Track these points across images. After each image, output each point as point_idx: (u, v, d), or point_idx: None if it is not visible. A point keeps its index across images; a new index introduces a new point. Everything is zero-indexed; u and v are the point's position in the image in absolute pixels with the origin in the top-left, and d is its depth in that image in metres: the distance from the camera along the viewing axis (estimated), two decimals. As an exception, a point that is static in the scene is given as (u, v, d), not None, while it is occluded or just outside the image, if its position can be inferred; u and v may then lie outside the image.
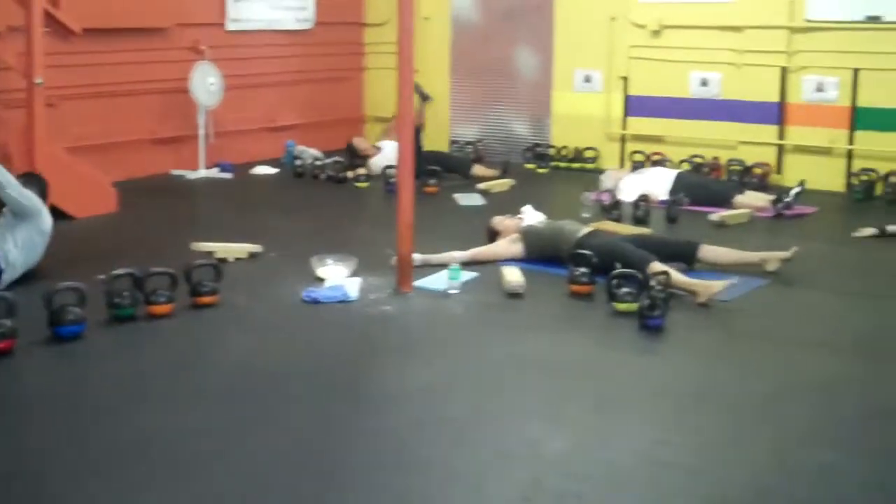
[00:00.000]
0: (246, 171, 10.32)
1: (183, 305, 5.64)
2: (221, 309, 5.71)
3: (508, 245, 6.76)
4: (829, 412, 4.35)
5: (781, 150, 9.73)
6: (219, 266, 5.93)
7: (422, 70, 11.40)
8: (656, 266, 6.04)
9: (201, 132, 10.05)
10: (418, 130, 9.21)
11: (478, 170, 10.01)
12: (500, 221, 7.04)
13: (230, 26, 10.73)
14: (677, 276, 5.93)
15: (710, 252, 6.49)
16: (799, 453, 3.96)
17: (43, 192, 6.61)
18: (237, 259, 6.72)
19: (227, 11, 10.69)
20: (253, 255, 6.83)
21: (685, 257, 6.45)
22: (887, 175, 8.99)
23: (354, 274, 6.23)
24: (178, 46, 10.07)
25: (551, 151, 10.70)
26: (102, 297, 5.42)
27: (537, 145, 10.86)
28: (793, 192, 8.35)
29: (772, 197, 8.42)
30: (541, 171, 10.47)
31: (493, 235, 6.98)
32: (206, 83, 9.94)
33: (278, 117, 11.27)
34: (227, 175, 10.12)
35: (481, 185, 9.36)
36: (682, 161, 9.86)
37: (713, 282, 5.87)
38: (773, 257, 6.46)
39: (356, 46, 12.20)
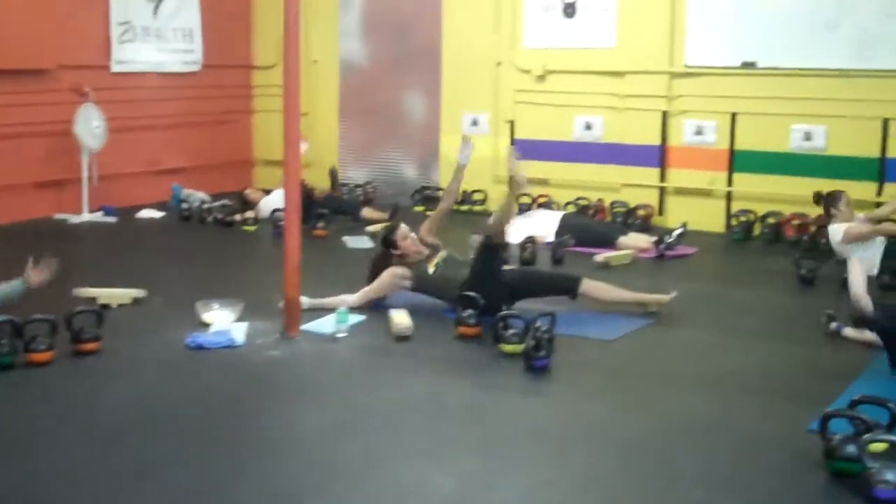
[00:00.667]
0: (131, 214, 10.18)
1: (64, 353, 5.52)
2: (104, 356, 5.60)
3: (396, 281, 6.72)
4: (705, 449, 4.45)
5: (663, 191, 9.98)
6: (101, 312, 5.82)
7: (311, 113, 11.45)
8: (589, 283, 6.52)
9: (85, 175, 9.89)
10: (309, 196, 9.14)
11: (367, 212, 10.04)
12: (403, 236, 6.82)
13: (115, 68, 10.61)
14: (619, 292, 6.62)
15: (592, 287, 6.60)
16: (676, 491, 4.04)
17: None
18: (120, 305, 6.61)
19: (113, 53, 10.57)
20: (137, 301, 6.72)
21: (568, 290, 6.56)
22: (765, 216, 9.28)
23: (241, 318, 6.18)
24: (62, 88, 9.91)
25: (440, 194, 10.78)
26: (-21, 345, 5.28)
27: (426, 188, 10.95)
28: (675, 233, 8.57)
29: (654, 238, 8.62)
30: (430, 213, 10.49)
31: (390, 245, 6.83)
32: (90, 126, 9.79)
33: (165, 160, 11.15)
34: (112, 219, 9.96)
35: (370, 228, 9.39)
36: (568, 203, 10.03)
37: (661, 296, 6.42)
38: (653, 301, 6.62)
39: (244, 89, 12.17)
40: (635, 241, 8.69)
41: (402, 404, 4.99)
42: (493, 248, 6.40)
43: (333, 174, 10.49)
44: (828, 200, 8.14)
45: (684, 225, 8.79)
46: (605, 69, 10.07)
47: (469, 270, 6.49)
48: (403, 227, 6.91)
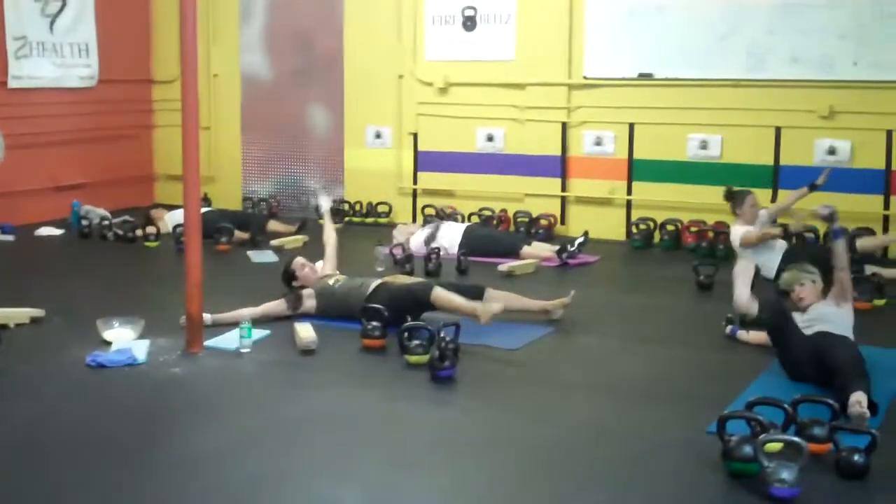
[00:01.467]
0: (29, 232, 9.99)
1: (-41, 375, 5.41)
2: (2, 377, 5.48)
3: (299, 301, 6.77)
4: (609, 454, 4.52)
5: (565, 201, 10.12)
6: (-2, 332, 5.72)
7: (213, 127, 11.38)
8: (438, 292, 6.33)
9: (-20, 193, 9.70)
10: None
11: (273, 225, 9.98)
12: (300, 266, 6.97)
13: (12, 84, 10.41)
14: (459, 301, 6.25)
15: (495, 296, 6.64)
16: (581, 495, 4.11)
17: None
18: (18, 325, 6.47)
19: (9, 69, 10.37)
20: (35, 320, 6.59)
21: (474, 299, 6.54)
22: (664, 223, 9.46)
23: (143, 336, 6.11)
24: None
25: (345, 207, 10.78)
26: None
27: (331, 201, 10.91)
28: (577, 241, 8.69)
29: (557, 247, 8.73)
30: (335, 226, 10.49)
31: (290, 278, 6.96)
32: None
33: (63, 177, 10.97)
34: (9, 237, 9.76)
35: (275, 242, 9.35)
36: (472, 214, 10.10)
37: (490, 304, 6.18)
38: (554, 306, 6.70)
39: (144, 104, 12.02)
40: (538, 251, 8.80)
41: (308, 419, 4.98)
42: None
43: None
44: (734, 201, 8.30)
45: (586, 233, 8.93)
46: (506, 81, 10.18)
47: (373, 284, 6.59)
48: (298, 259, 7.04)
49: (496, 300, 6.49)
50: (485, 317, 6.09)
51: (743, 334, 6.21)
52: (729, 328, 6.30)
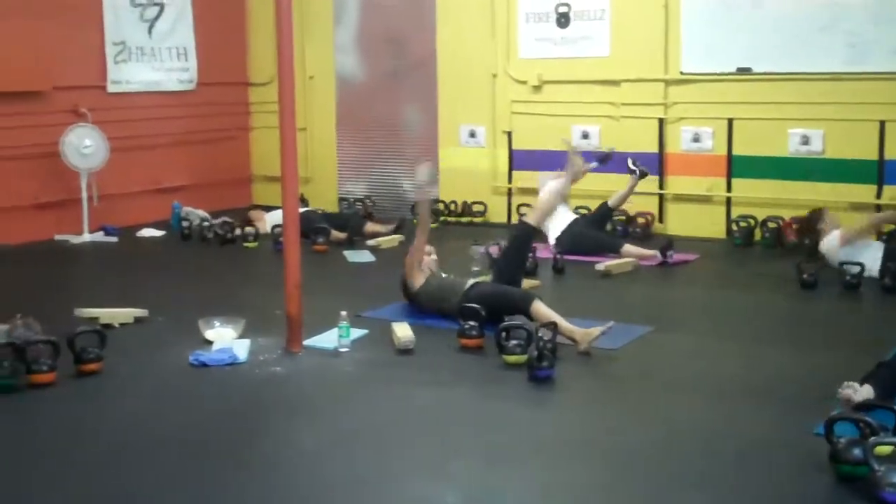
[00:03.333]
0: (132, 234, 10.19)
1: (66, 374, 5.51)
2: (106, 376, 5.59)
3: (418, 271, 6.84)
4: (711, 455, 4.44)
5: (663, 199, 9.98)
6: (103, 332, 5.81)
7: (308, 128, 11.49)
8: (539, 306, 6.15)
9: (84, 195, 9.90)
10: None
11: (370, 227, 10.03)
12: (428, 253, 7.03)
13: (111, 88, 10.64)
14: (562, 323, 6.00)
15: (539, 310, 6.22)
16: (680, 497, 4.04)
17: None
18: (122, 324, 6.59)
19: (109, 73, 10.60)
20: (139, 320, 6.72)
21: (520, 309, 6.30)
22: (765, 220, 9.28)
23: (243, 335, 6.18)
24: (59, 110, 9.94)
25: (440, 206, 10.79)
26: (-18, 367, 5.28)
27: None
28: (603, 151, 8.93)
29: (652, 251, 8.56)
30: (431, 226, 10.51)
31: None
32: (79, 146, 9.78)
33: (164, 179, 11.17)
34: (113, 238, 9.98)
35: (371, 242, 9.39)
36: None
37: (591, 329, 5.95)
38: (583, 336, 5.97)
39: (241, 106, 12.19)
40: (637, 250, 8.68)
41: (406, 418, 4.98)
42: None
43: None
44: (812, 220, 8.35)
45: (612, 148, 9.04)
46: (601, 78, 10.08)
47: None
48: (427, 247, 7.03)
49: (539, 316, 6.15)
50: (584, 342, 5.91)
51: None
52: None
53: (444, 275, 6.94)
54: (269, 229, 9.62)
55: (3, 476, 4.32)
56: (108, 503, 4.05)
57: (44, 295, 7.69)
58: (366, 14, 11.49)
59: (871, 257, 7.65)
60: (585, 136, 10.23)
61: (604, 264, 8.20)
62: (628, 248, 8.71)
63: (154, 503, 4.05)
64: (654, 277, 8.06)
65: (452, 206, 10.81)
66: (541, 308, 6.20)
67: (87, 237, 9.90)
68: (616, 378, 5.61)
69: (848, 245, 7.77)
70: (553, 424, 4.92)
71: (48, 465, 4.44)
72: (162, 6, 11.12)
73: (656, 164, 9.90)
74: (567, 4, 10.23)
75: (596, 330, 5.91)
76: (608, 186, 9.49)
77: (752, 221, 9.39)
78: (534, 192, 10.37)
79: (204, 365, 5.73)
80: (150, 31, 11.03)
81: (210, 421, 4.99)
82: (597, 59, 10.11)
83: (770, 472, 4.25)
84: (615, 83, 10.04)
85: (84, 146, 9.82)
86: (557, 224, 8.91)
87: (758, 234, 9.32)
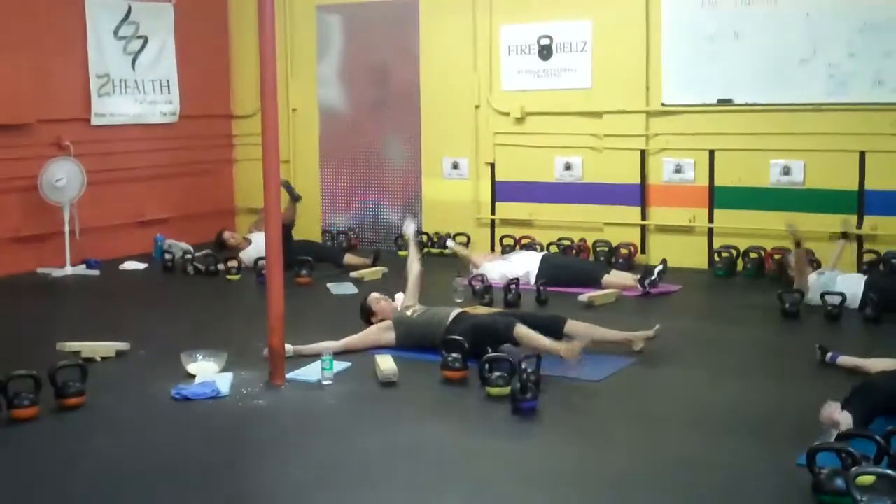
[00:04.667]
0: (114, 267, 10.16)
1: (48, 408, 5.48)
2: (88, 410, 5.56)
3: (380, 333, 6.78)
4: (694, 487, 4.44)
5: (645, 230, 10.02)
6: (85, 366, 5.79)
7: (292, 160, 11.51)
8: (521, 330, 6.22)
9: (66, 229, 9.87)
10: (288, 227, 9.18)
11: (349, 259, 10.03)
12: (376, 301, 7.06)
13: (95, 121, 10.62)
14: (542, 341, 6.12)
15: (575, 327, 6.57)
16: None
17: None
18: (104, 358, 6.56)
19: (92, 106, 10.59)
20: (120, 354, 6.68)
21: (553, 332, 6.48)
22: (747, 251, 9.31)
23: (226, 369, 6.15)
24: (42, 142, 9.93)
25: (423, 238, 10.79)
26: (-38, 403, 5.24)
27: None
28: (656, 269, 8.57)
29: (637, 276, 8.63)
30: (419, 256, 10.51)
31: (368, 314, 7.00)
32: (51, 179, 9.72)
33: (146, 211, 11.15)
34: (95, 272, 9.93)
35: (354, 274, 9.38)
36: (551, 244, 10.06)
37: (574, 343, 6.11)
38: (637, 337, 6.60)
39: (224, 138, 12.20)
40: (619, 280, 8.71)
41: (389, 451, 4.96)
42: None
43: (287, 186, 9.81)
44: (781, 268, 8.54)
45: (664, 262, 8.80)
46: (583, 109, 10.13)
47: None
48: (373, 294, 7.15)
49: (577, 332, 6.43)
50: (569, 357, 6.02)
51: (847, 360, 6.11)
52: (829, 355, 6.18)
53: (421, 308, 6.91)
54: (251, 262, 9.56)
55: (-18, 512, 4.30)
56: (89, 539, 4.02)
57: (25, 329, 7.66)
58: (349, 46, 11.53)
59: (853, 288, 7.69)
60: (568, 167, 10.26)
61: (587, 295, 8.22)
62: (609, 278, 8.73)
63: (135, 539, 4.02)
64: (637, 309, 8.07)
65: (435, 238, 10.81)
66: (523, 331, 6.28)
67: (69, 270, 9.85)
68: (600, 410, 5.60)
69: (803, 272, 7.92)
70: (537, 457, 4.91)
71: (30, 500, 4.41)
72: (145, 39, 11.14)
73: (638, 195, 9.93)
74: (549, 37, 10.29)
75: (578, 344, 6.09)
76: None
77: (734, 252, 9.42)
78: (518, 223, 10.42)
79: (186, 399, 5.70)
80: (133, 64, 11.03)
81: (192, 455, 4.97)
82: (579, 90, 10.17)
83: (753, 502, 4.24)
84: (597, 115, 10.08)
85: (56, 179, 9.75)
86: (528, 264, 8.90)
87: (740, 265, 9.36)
